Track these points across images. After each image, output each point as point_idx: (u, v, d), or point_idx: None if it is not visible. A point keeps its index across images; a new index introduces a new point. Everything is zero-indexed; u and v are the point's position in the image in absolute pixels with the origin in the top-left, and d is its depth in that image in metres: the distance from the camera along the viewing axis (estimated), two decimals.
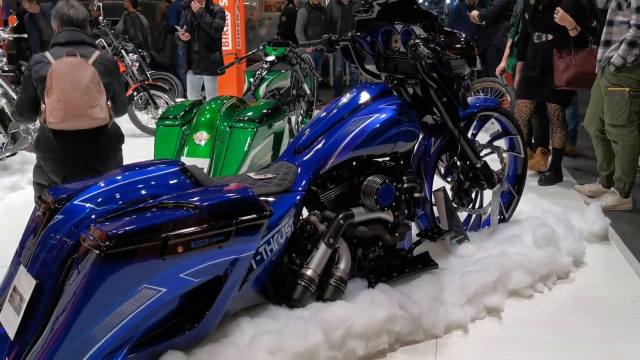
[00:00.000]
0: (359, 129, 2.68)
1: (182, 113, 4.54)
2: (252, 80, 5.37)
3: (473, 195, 3.30)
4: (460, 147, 3.05)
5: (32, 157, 4.98)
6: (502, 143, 3.56)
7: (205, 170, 4.06)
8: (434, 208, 3.12)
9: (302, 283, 2.44)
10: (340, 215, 2.58)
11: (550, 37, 4.50)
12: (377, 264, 2.78)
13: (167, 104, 7.09)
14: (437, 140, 3.09)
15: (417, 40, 2.59)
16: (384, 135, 2.70)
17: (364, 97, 2.82)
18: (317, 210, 2.65)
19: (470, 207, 3.28)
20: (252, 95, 5.18)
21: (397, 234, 2.80)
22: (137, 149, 4.51)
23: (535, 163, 4.96)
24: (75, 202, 2.14)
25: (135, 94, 6.91)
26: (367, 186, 2.66)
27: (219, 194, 2.15)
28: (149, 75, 7.57)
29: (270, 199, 2.45)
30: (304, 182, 2.58)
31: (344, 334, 2.25)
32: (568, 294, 2.88)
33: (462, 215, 3.33)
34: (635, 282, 3.02)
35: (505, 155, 3.48)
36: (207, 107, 4.53)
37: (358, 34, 3.10)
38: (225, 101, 4.61)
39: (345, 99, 2.84)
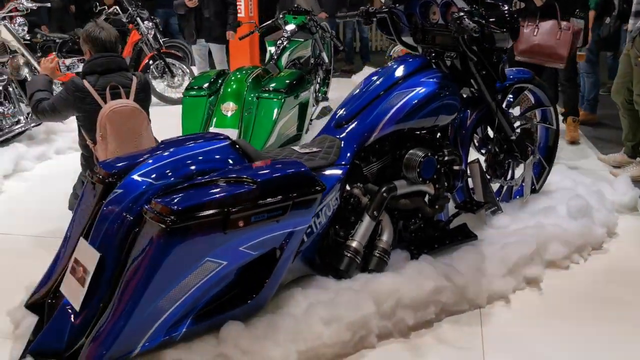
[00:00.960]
0: (401, 102, 2.69)
1: (207, 84, 4.54)
2: (273, 49, 5.34)
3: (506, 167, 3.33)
4: (497, 120, 3.07)
5: (57, 126, 5.02)
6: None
7: None
8: (468, 180, 3.16)
9: (348, 254, 2.50)
10: (384, 189, 2.62)
11: (522, 5, 4.41)
12: (417, 236, 2.83)
13: (183, 71, 7.06)
14: (474, 113, 3.10)
15: (462, 13, 2.59)
16: (426, 109, 2.72)
17: (404, 70, 2.83)
18: (359, 183, 2.69)
19: (503, 178, 3.32)
20: (275, 65, 5.16)
21: (437, 206, 2.84)
22: (159, 119, 4.51)
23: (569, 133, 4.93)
24: (133, 176, 2.17)
25: (151, 62, 6.87)
26: (410, 159, 2.69)
27: (276, 169, 2.18)
28: (162, 43, 7.50)
29: (318, 172, 2.48)
30: (348, 155, 2.61)
31: (394, 304, 2.32)
32: (603, 264, 2.94)
33: (494, 186, 3.37)
34: None
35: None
36: (233, 78, 4.53)
37: (395, 5, 3.08)
38: (250, 71, 4.61)
39: (385, 73, 2.85)
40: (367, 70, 8.54)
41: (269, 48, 5.45)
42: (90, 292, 2.06)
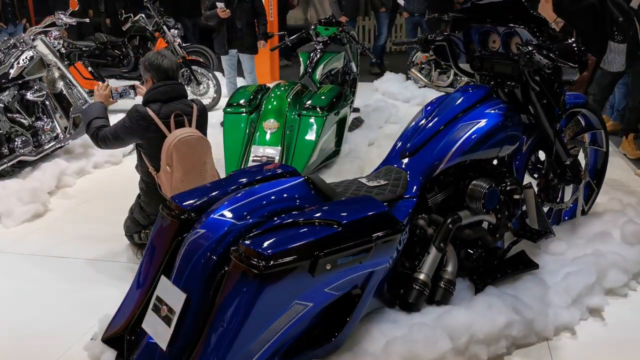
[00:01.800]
0: (467, 134, 2.71)
1: (247, 100, 4.56)
2: (307, 62, 5.36)
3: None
4: (554, 146, 3.09)
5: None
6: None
7: (276, 159, 4.11)
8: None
9: (417, 287, 2.52)
10: (449, 220, 2.64)
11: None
12: (478, 265, 2.86)
13: (208, 79, 7.07)
14: (530, 139, 3.11)
15: (530, 48, 2.60)
16: (491, 141, 2.74)
17: (468, 101, 2.84)
18: (424, 214, 2.71)
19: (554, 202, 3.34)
20: (310, 79, 5.18)
21: (497, 235, 2.87)
22: None
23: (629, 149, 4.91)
24: (214, 216, 2.19)
25: None
26: (474, 190, 2.71)
27: (357, 210, 2.20)
28: (184, 51, 7.51)
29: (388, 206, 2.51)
30: (415, 187, 2.63)
31: (468, 340, 2.34)
32: None
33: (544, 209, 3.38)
34: None
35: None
36: (273, 95, 4.56)
37: (455, 32, 3.09)
38: (290, 88, 4.63)
39: (448, 103, 2.87)
40: (389, 76, 8.55)
41: (303, 61, 5.46)
42: (176, 333, 2.09)
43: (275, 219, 2.19)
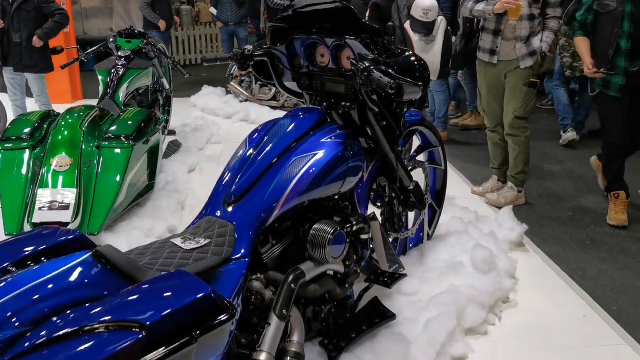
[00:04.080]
0: (303, 171, 2.21)
1: (29, 130, 3.69)
2: (108, 81, 4.55)
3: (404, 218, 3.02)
4: (397, 172, 2.73)
5: None
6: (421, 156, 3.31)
7: (71, 205, 3.32)
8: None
9: None
10: (290, 278, 2.12)
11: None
12: (328, 323, 2.39)
13: None
14: (370, 165, 2.73)
15: (367, 64, 2.18)
16: (332, 175, 2.27)
17: (300, 128, 2.35)
18: (259, 274, 2.16)
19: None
20: (112, 101, 4.39)
21: (347, 285, 2.42)
22: None
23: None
24: None
25: None
26: (316, 237, 2.23)
27: (168, 298, 1.58)
28: None
29: (212, 275, 1.92)
30: (245, 244, 2.07)
31: None
32: (519, 323, 2.71)
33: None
34: (572, 298, 2.96)
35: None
36: (64, 123, 3.74)
37: (276, 45, 2.60)
38: (85, 113, 3.82)
39: (277, 132, 2.35)
40: (207, 90, 7.92)
41: (102, 80, 4.63)
42: None
43: (49, 323, 1.49)
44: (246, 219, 2.12)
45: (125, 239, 3.41)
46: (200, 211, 2.25)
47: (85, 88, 8.24)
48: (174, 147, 5.11)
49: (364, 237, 2.44)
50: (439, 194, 3.39)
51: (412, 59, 2.40)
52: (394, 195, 2.88)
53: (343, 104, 2.52)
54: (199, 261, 1.93)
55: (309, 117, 2.40)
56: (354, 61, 2.27)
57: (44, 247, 1.82)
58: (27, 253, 1.79)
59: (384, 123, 2.54)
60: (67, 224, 3.28)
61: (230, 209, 2.16)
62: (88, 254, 1.71)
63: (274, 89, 7.09)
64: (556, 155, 5.48)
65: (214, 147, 5.71)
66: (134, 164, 3.65)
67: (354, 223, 2.37)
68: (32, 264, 1.73)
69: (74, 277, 1.65)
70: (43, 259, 1.77)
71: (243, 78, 7.43)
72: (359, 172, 2.44)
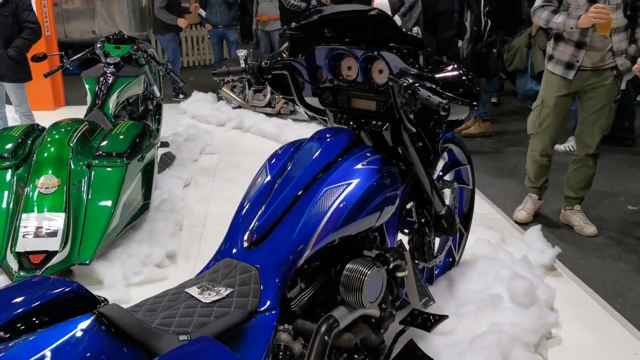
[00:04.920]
0: (336, 204, 1.90)
1: (11, 147, 3.36)
2: (96, 90, 4.20)
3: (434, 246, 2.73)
4: (432, 198, 2.44)
5: None
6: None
7: (59, 231, 2.99)
8: None
9: None
10: (323, 329, 1.81)
11: None
12: None
13: None
14: (401, 190, 2.43)
15: (412, 80, 1.88)
16: (368, 207, 1.97)
17: (329, 153, 2.04)
18: (286, 325, 1.86)
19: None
20: (101, 112, 4.04)
21: (382, 330, 2.12)
22: None
23: None
24: None
25: None
26: (350, 278, 1.91)
27: None
28: None
29: (238, 333, 1.62)
30: (273, 293, 1.76)
31: None
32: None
33: None
34: (619, 332, 2.69)
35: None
36: (50, 138, 3.40)
37: (297, 57, 2.29)
38: (73, 128, 3.48)
39: (303, 157, 2.04)
40: (198, 96, 7.56)
41: (90, 89, 4.27)
42: None
43: None
44: (272, 262, 1.81)
45: (120, 267, 3.08)
46: (216, 250, 1.94)
47: (68, 93, 7.84)
48: (168, 161, 4.76)
49: (400, 274, 2.14)
50: (466, 216, 3.11)
51: (459, 72, 2.11)
52: (423, 221, 2.59)
53: (374, 122, 2.22)
54: (221, 317, 1.62)
55: (339, 140, 2.09)
56: (392, 76, 1.97)
57: (38, 303, 1.51)
58: (18, 312, 1.48)
59: (420, 144, 2.25)
60: (54, 252, 2.94)
61: (252, 250, 1.85)
62: (89, 320, 1.40)
63: (268, 95, 6.77)
64: None
65: (209, 158, 5.38)
66: (129, 183, 3.31)
67: (391, 260, 2.07)
68: (22, 327, 1.43)
69: (74, 351, 1.33)
70: (35, 319, 1.46)
71: (235, 83, 7.10)
72: (395, 200, 2.14)
